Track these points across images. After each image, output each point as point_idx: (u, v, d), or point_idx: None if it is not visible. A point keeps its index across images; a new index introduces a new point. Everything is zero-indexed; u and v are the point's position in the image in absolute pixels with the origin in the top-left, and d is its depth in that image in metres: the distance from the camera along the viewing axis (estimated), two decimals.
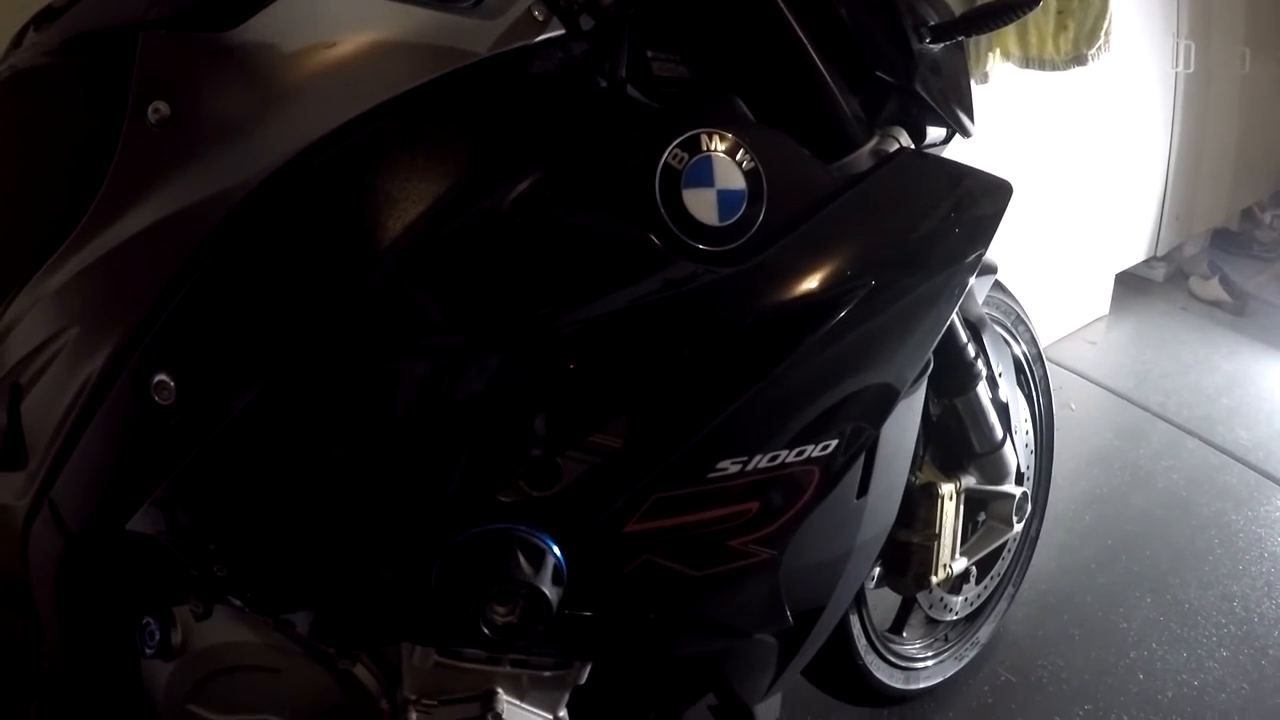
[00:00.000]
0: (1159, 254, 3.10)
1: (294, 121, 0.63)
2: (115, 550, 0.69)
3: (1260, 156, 3.37)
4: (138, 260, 0.64)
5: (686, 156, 0.66)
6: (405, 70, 0.64)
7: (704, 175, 0.66)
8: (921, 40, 0.83)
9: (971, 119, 0.92)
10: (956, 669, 1.45)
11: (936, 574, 1.18)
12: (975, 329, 1.17)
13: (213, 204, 0.62)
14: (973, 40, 1.63)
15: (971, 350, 1.13)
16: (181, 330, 0.63)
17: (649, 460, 0.68)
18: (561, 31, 0.68)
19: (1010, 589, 1.53)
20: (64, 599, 0.72)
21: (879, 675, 1.29)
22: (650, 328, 0.66)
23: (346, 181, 0.63)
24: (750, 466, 0.71)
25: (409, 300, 0.63)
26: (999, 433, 1.21)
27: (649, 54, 0.75)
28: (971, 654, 1.48)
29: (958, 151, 0.92)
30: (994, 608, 1.50)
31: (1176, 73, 2.87)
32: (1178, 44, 2.81)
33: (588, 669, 0.82)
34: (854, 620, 1.21)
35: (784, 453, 0.72)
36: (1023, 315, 1.41)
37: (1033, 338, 1.44)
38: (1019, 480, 1.28)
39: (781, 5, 0.75)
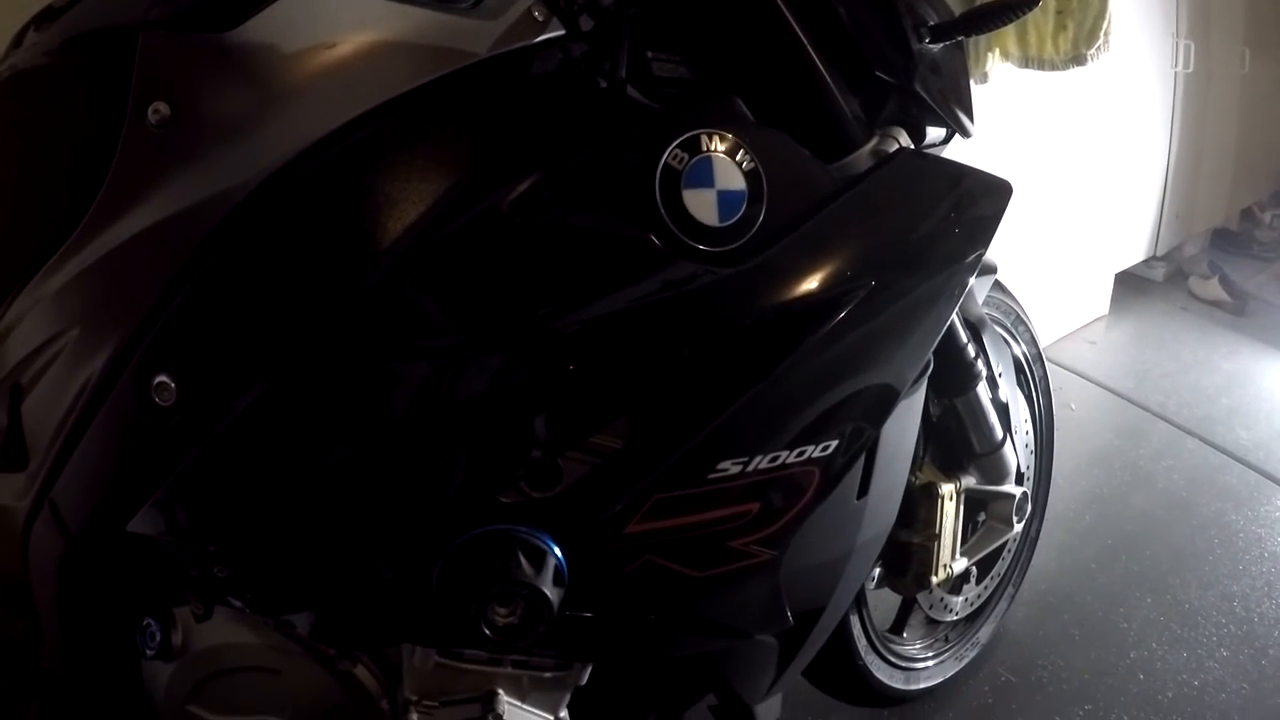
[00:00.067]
0: (1159, 254, 3.10)
1: (294, 122, 0.63)
2: (116, 551, 0.69)
3: (1260, 156, 3.37)
4: (138, 261, 0.64)
5: (687, 157, 0.66)
6: (405, 71, 0.64)
7: (704, 176, 0.66)
8: (921, 40, 0.83)
9: (971, 119, 0.92)
10: (957, 669, 1.45)
11: (937, 574, 1.18)
12: (975, 329, 1.17)
13: (213, 205, 0.62)
14: (972, 40, 1.63)
15: (971, 350, 1.13)
16: (182, 331, 0.63)
17: (649, 461, 0.68)
18: (561, 32, 0.68)
19: (1010, 589, 1.53)
20: (64, 600, 0.72)
21: (879, 675, 1.29)
22: (650, 328, 0.66)
23: (346, 182, 0.63)
24: (751, 467, 0.71)
25: (409, 301, 0.63)
26: (999, 433, 1.21)
27: (649, 54, 0.75)
28: (972, 654, 1.48)
29: (958, 151, 0.92)
30: (994, 608, 1.50)
31: (1176, 73, 2.87)
32: (1177, 44, 2.81)
33: (588, 670, 0.82)
34: (854, 620, 1.21)
35: (784, 453, 0.72)
36: (1022, 315, 1.41)
37: (1032, 338, 1.44)
38: (1019, 480, 1.28)
39: (781, 5, 0.75)
